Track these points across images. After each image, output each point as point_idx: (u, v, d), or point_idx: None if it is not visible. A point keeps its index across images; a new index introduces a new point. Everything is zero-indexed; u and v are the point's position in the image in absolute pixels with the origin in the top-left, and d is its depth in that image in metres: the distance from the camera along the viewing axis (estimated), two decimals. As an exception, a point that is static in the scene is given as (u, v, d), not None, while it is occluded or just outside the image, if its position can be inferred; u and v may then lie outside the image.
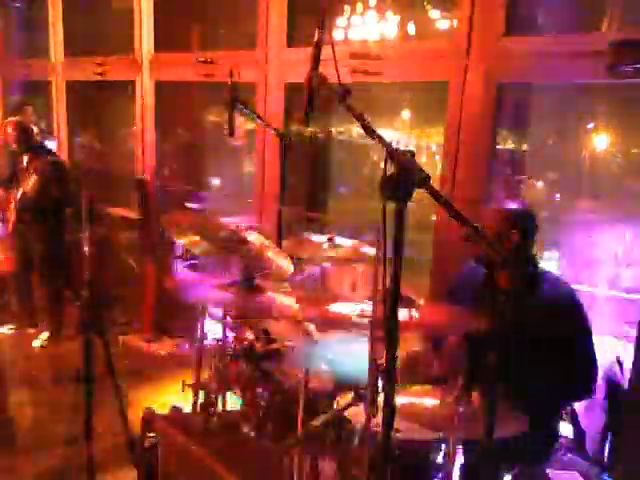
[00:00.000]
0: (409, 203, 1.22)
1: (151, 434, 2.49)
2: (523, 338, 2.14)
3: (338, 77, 1.47)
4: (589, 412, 2.41)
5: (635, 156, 2.81)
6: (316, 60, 1.51)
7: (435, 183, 2.75)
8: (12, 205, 4.44)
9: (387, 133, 3.66)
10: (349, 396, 1.92)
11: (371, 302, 1.62)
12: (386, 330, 1.28)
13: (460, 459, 2.07)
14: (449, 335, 2.34)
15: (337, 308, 2.09)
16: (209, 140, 4.87)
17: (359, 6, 3.55)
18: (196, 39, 4.64)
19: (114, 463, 2.87)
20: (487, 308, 1.93)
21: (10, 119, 4.64)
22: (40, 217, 4.43)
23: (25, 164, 4.49)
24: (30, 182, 4.34)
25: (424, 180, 1.21)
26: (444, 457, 1.89)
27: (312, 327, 2.19)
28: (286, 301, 2.26)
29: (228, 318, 2.39)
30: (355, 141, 3.88)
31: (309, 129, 3.74)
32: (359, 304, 2.07)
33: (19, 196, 4.36)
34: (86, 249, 2.24)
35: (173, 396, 3.32)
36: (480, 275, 2.40)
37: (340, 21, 3.58)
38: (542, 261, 2.44)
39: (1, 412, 3.52)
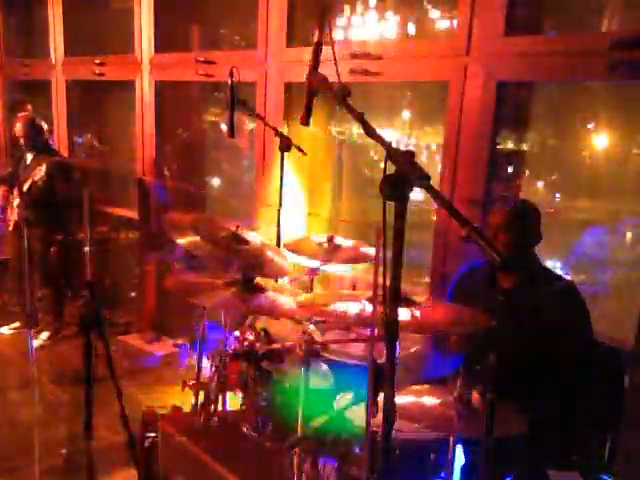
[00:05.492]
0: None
1: (151, 434, 2.49)
2: (525, 337, 2.15)
3: (338, 77, 1.47)
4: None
5: (635, 156, 2.80)
6: (316, 60, 1.51)
7: (435, 183, 2.76)
8: (14, 203, 4.44)
9: (387, 133, 3.66)
10: (349, 396, 1.92)
11: (371, 302, 1.62)
12: (386, 330, 1.28)
13: (460, 459, 2.07)
14: (451, 335, 2.34)
15: (337, 307, 2.08)
16: (209, 140, 4.87)
17: (359, 6, 3.54)
18: (196, 39, 4.64)
19: (114, 463, 2.88)
20: (489, 308, 1.94)
21: (21, 114, 4.64)
22: (42, 216, 4.43)
23: (30, 162, 4.48)
24: (34, 181, 4.34)
25: (424, 180, 1.21)
26: (444, 457, 1.89)
27: (312, 327, 2.19)
28: (286, 301, 2.26)
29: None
30: (355, 141, 3.88)
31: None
32: (359, 304, 2.07)
33: (21, 194, 4.36)
34: (86, 249, 2.24)
35: (173, 396, 3.32)
36: (482, 275, 2.41)
37: (340, 21, 3.58)
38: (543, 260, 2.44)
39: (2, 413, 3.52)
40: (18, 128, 4.51)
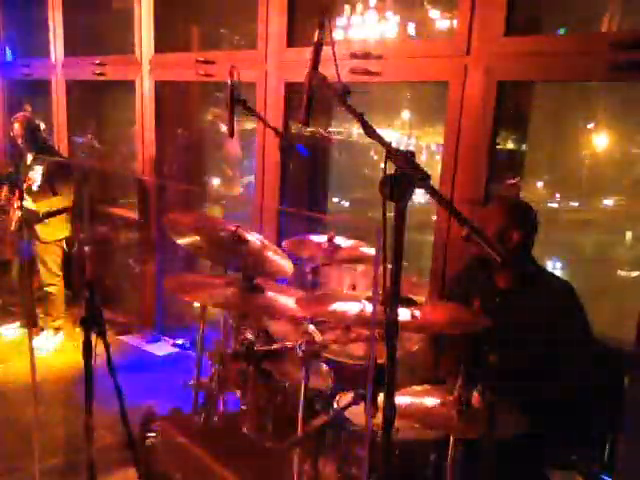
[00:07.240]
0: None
1: (151, 434, 2.49)
2: (523, 337, 2.15)
3: (338, 77, 1.47)
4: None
5: (635, 156, 2.81)
6: (316, 60, 1.51)
7: (435, 183, 2.76)
8: (15, 204, 4.43)
9: (387, 133, 3.66)
10: (349, 396, 1.91)
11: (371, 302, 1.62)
12: (386, 330, 1.28)
13: (460, 459, 2.07)
14: (450, 335, 2.34)
15: (337, 307, 2.08)
16: (209, 140, 4.87)
17: (359, 6, 3.54)
18: (196, 39, 4.64)
19: (114, 463, 2.87)
20: (487, 308, 1.94)
21: (18, 115, 4.63)
22: (42, 217, 4.42)
23: (30, 162, 4.48)
24: (35, 181, 4.34)
25: (424, 180, 1.21)
26: (444, 457, 1.89)
27: (312, 327, 2.19)
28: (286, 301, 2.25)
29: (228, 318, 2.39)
30: (355, 141, 3.88)
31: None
32: (359, 304, 2.06)
33: (21, 195, 4.36)
34: (86, 249, 2.24)
35: (173, 396, 3.32)
36: (480, 275, 2.41)
37: (340, 21, 3.58)
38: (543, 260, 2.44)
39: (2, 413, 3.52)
40: (16, 128, 4.51)
